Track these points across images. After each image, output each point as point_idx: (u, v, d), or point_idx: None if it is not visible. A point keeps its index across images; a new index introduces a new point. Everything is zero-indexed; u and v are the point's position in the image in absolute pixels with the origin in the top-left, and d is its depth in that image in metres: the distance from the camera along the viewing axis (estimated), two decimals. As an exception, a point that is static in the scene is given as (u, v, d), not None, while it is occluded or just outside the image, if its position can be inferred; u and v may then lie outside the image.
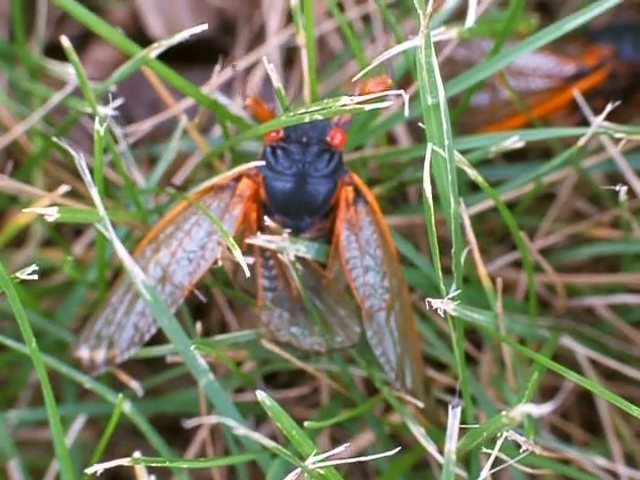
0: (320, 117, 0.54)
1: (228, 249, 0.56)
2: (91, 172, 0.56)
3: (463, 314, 0.54)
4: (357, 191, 0.58)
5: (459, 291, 0.54)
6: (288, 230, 0.58)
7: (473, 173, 0.55)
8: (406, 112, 0.53)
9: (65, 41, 0.59)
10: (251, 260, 0.59)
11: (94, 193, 0.55)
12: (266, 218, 0.57)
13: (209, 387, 0.58)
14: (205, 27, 0.57)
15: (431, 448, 0.58)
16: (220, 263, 0.59)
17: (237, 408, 0.60)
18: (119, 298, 0.61)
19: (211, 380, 0.58)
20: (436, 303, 0.53)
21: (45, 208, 0.54)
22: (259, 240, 0.57)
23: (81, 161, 0.54)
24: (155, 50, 0.60)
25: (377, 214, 0.59)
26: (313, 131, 0.57)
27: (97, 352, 0.62)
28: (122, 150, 0.67)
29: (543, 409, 0.42)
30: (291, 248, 0.57)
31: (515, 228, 0.59)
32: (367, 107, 0.54)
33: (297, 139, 0.57)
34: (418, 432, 0.58)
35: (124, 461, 0.51)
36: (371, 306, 0.59)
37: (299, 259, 0.58)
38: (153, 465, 0.53)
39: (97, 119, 0.56)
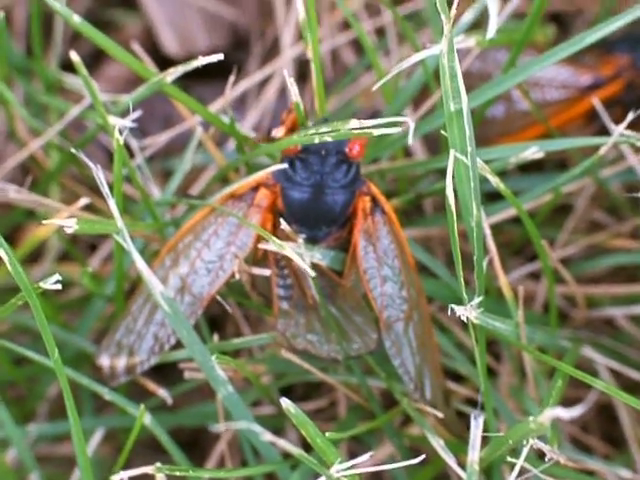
0: (329, 139, 0.55)
1: (245, 262, 0.56)
2: (108, 185, 0.56)
3: (485, 322, 0.54)
4: (374, 201, 0.58)
5: (481, 298, 0.53)
6: (303, 236, 0.57)
7: (495, 180, 0.55)
8: (410, 140, 0.54)
9: (74, 56, 0.59)
10: (268, 272, 0.59)
11: (112, 204, 0.55)
12: (282, 222, 0.56)
13: (228, 399, 0.58)
14: (221, 57, 0.58)
15: (450, 460, 0.57)
16: (237, 276, 0.59)
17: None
18: (139, 307, 0.61)
19: (230, 391, 0.57)
20: (459, 310, 0.53)
21: (64, 219, 0.54)
22: (273, 246, 0.56)
23: (99, 172, 0.54)
24: (171, 75, 0.60)
25: (395, 224, 0.59)
26: (332, 143, 0.57)
27: (118, 360, 0.61)
28: (139, 163, 0.67)
29: (572, 412, 0.42)
30: (306, 255, 0.57)
31: (537, 236, 0.59)
32: (375, 132, 0.54)
33: (315, 151, 0.57)
34: (437, 444, 0.58)
35: (148, 469, 0.51)
36: (389, 317, 0.59)
37: (314, 267, 0.58)
38: (175, 475, 0.52)
39: (116, 127, 0.56)
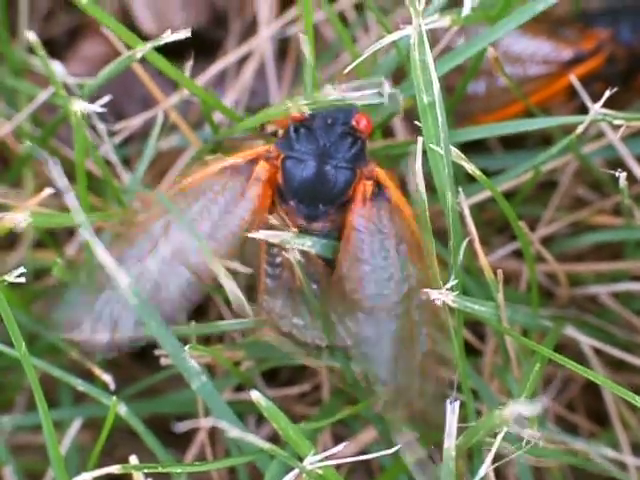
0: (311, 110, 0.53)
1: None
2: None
3: (463, 305, 0.53)
4: (379, 187, 0.57)
5: (457, 281, 0.53)
6: (301, 217, 0.56)
7: (470, 167, 0.54)
8: (401, 112, 0.52)
9: (32, 36, 0.58)
10: (234, 285, 0.57)
11: (69, 198, 0.52)
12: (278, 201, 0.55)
13: (202, 389, 0.56)
14: (188, 33, 0.57)
15: (412, 461, 0.57)
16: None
17: (238, 407, 0.58)
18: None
19: (204, 382, 0.56)
20: (434, 294, 0.52)
21: (17, 215, 0.53)
22: (261, 235, 0.55)
23: (55, 167, 0.52)
24: (140, 52, 0.58)
25: (400, 213, 0.57)
26: (339, 113, 0.56)
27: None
28: (109, 147, 0.66)
29: (534, 409, 0.41)
30: (296, 242, 0.55)
31: (514, 219, 0.58)
32: (360, 102, 0.53)
33: (322, 118, 0.56)
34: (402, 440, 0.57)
35: (114, 468, 0.50)
36: (373, 307, 0.57)
37: (305, 253, 0.57)
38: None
39: (78, 113, 0.54)
